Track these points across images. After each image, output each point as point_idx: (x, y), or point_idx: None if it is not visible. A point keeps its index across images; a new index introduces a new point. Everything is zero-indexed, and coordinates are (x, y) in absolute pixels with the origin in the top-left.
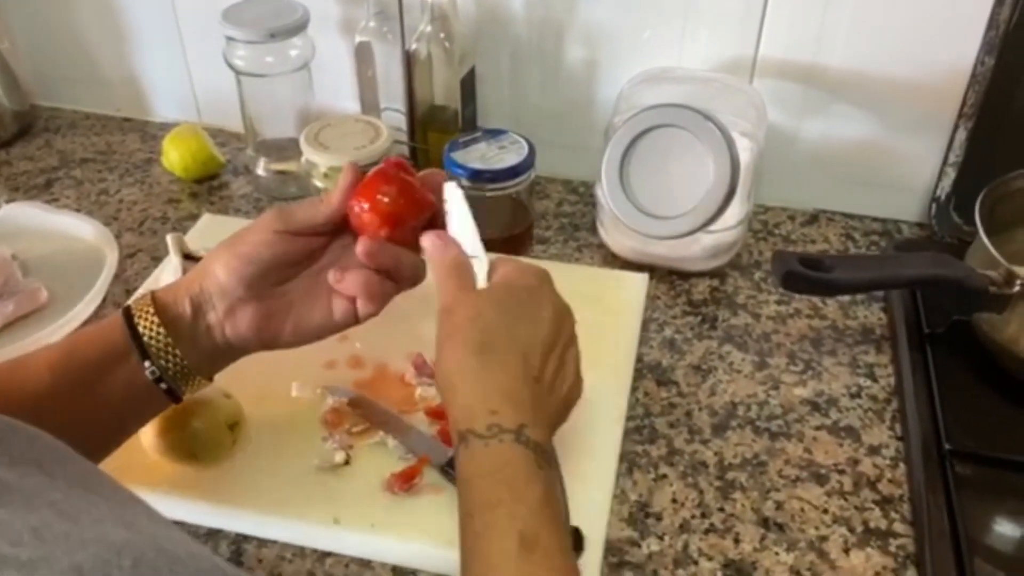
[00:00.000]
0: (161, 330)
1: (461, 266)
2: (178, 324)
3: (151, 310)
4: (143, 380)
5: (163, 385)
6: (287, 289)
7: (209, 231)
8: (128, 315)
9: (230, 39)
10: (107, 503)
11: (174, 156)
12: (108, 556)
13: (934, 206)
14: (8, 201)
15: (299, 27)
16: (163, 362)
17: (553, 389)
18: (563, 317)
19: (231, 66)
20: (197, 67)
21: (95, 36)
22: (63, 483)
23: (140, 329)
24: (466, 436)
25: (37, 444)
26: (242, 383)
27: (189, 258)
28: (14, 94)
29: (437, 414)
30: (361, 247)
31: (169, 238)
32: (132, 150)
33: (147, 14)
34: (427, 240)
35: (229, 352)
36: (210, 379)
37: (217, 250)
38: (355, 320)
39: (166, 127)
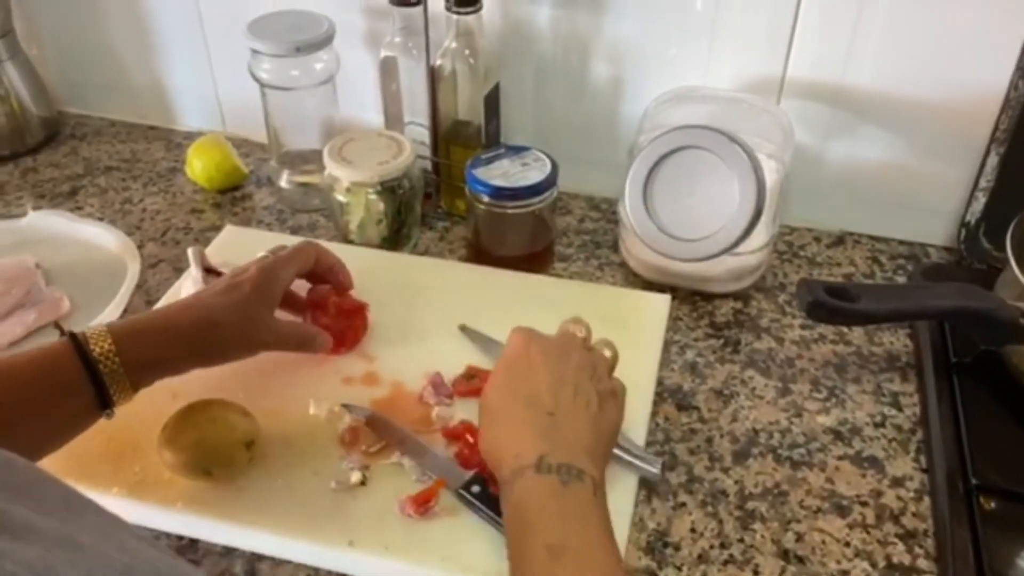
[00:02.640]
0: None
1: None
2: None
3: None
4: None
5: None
6: None
7: (231, 243)
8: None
9: (255, 52)
10: (95, 527)
11: (198, 166)
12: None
13: (963, 231)
14: (34, 208)
15: (325, 41)
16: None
17: (574, 412)
18: (560, 358)
19: (256, 78)
20: (222, 77)
21: (122, 43)
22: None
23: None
24: (501, 486)
25: (12, 469)
26: (258, 399)
27: (210, 272)
28: (41, 100)
29: (454, 435)
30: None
31: (190, 251)
32: (157, 159)
33: (174, 22)
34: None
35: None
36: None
37: None
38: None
39: (191, 136)
